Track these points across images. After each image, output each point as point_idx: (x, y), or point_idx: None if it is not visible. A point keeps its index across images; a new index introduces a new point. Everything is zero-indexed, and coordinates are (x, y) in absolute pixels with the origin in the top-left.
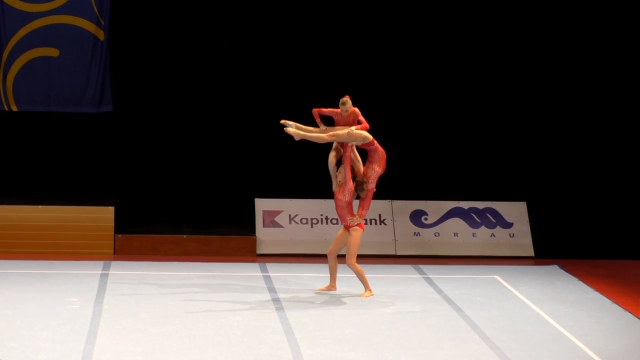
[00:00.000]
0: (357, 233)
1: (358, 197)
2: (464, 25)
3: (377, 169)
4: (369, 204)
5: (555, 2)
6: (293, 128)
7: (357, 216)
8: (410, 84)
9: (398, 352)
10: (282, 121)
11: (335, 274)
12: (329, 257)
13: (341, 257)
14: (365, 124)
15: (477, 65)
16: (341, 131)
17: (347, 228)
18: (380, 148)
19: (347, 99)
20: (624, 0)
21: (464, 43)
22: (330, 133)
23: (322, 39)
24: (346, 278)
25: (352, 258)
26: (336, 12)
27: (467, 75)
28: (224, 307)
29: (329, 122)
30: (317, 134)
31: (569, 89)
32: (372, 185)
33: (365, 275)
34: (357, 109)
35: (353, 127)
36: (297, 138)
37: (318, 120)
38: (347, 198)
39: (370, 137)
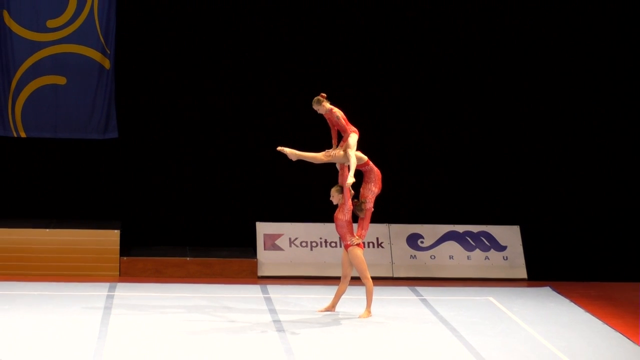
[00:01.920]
0: (356, 251)
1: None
2: (456, 49)
3: (373, 189)
4: (368, 225)
5: (551, 21)
6: (289, 153)
7: (357, 236)
8: (404, 111)
9: None
10: (279, 148)
11: (339, 298)
12: (341, 280)
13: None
14: (352, 129)
15: (470, 92)
16: (336, 151)
17: (346, 248)
18: (375, 168)
19: (319, 97)
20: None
21: (456, 69)
22: (326, 153)
23: (322, 60)
24: (347, 300)
25: (363, 274)
26: (338, 36)
27: (460, 102)
28: (226, 327)
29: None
30: (313, 154)
31: (559, 116)
32: (370, 205)
33: (372, 296)
34: (335, 110)
35: (349, 148)
36: (293, 158)
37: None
38: (347, 217)
39: (365, 157)
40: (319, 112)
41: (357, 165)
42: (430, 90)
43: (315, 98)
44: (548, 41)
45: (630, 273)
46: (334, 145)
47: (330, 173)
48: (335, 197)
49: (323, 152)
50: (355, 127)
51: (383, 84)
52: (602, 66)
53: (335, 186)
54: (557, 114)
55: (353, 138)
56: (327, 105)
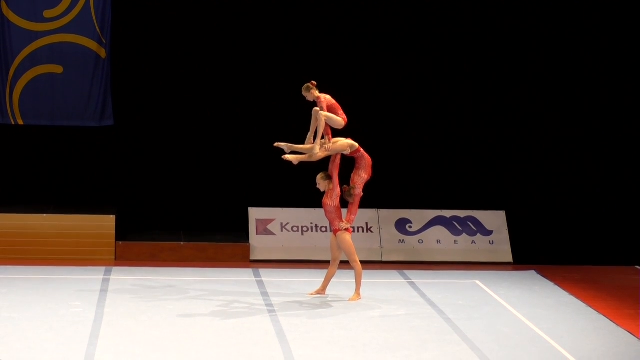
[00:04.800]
0: (345, 236)
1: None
2: (445, 36)
3: (363, 175)
4: (357, 210)
5: (533, 10)
6: (287, 151)
7: (345, 221)
8: (394, 98)
9: (384, 353)
10: (276, 144)
11: (329, 281)
12: (331, 263)
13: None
14: (323, 104)
15: (459, 79)
16: (329, 144)
17: (335, 232)
18: (366, 155)
19: (309, 84)
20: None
21: (443, 61)
22: (323, 148)
23: (311, 50)
24: (336, 283)
25: (351, 258)
26: (328, 22)
27: (448, 90)
28: (219, 310)
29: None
30: (311, 153)
31: (545, 104)
32: (359, 191)
33: (362, 279)
34: (323, 99)
35: (343, 139)
36: (295, 162)
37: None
38: (335, 202)
39: (357, 144)
40: (307, 99)
41: (351, 153)
42: (418, 77)
43: (305, 85)
44: (535, 29)
45: (612, 257)
46: (324, 136)
47: (321, 160)
48: (321, 184)
49: (318, 148)
50: (345, 116)
51: (373, 71)
52: (588, 55)
53: (320, 174)
54: (542, 100)
55: (335, 116)
56: (316, 93)
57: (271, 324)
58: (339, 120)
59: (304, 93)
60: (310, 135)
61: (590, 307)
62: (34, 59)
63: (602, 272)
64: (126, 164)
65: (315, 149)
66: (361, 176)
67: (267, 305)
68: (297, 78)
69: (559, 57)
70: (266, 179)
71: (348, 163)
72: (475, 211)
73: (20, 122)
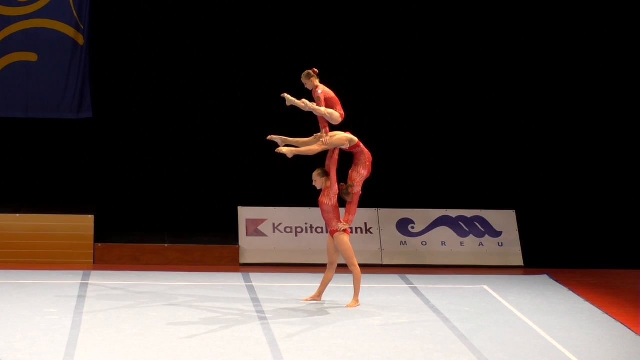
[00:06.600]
0: (343, 237)
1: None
2: (452, 33)
3: (362, 172)
4: (356, 209)
5: (547, 10)
6: (281, 144)
7: (343, 222)
8: (397, 92)
9: None
10: (269, 137)
11: (325, 286)
12: (327, 267)
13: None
14: (320, 95)
15: (465, 73)
16: (327, 138)
17: (332, 233)
18: (366, 150)
19: (310, 71)
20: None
21: (451, 51)
22: (319, 142)
23: (308, 44)
24: (333, 288)
25: (350, 261)
26: (323, 15)
27: (454, 83)
28: (206, 318)
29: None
30: (308, 147)
31: (558, 98)
32: (357, 189)
33: (361, 284)
34: (320, 91)
35: (342, 133)
36: (290, 156)
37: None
38: (333, 201)
39: (356, 139)
40: (306, 86)
41: (350, 148)
42: (422, 71)
43: (306, 71)
44: (549, 24)
45: (631, 260)
46: (321, 129)
47: (317, 155)
48: (317, 181)
49: (315, 141)
50: (343, 111)
51: (374, 66)
52: (597, 54)
53: (317, 170)
54: (556, 95)
55: (333, 111)
56: (316, 82)
57: (262, 332)
58: (337, 116)
59: (303, 80)
60: (293, 99)
61: (607, 313)
62: (6, 46)
63: (619, 276)
64: (106, 159)
65: (329, 136)
66: (360, 173)
67: (258, 312)
68: (289, 70)
69: (576, 55)
70: (257, 176)
71: (346, 159)
72: (483, 210)
73: None
